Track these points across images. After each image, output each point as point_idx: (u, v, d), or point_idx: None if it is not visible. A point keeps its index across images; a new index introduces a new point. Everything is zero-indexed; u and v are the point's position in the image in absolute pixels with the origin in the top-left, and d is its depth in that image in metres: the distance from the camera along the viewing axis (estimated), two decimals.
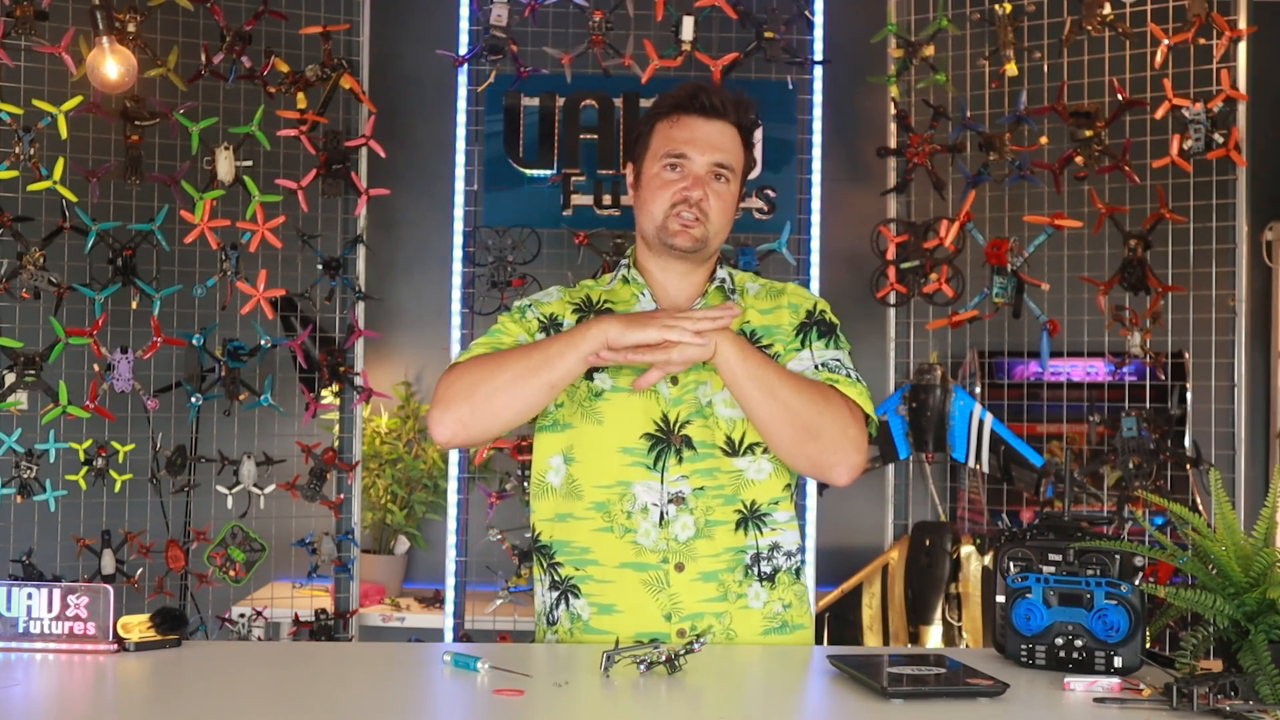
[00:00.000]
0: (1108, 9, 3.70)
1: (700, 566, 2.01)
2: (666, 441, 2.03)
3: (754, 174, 2.07)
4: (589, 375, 2.05)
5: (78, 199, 3.64)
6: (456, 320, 3.98)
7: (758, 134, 2.30)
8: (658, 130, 2.10)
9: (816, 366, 2.07)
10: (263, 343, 3.84)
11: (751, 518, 2.04)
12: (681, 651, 1.71)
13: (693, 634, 1.98)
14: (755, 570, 2.03)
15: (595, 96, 3.98)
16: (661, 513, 2.01)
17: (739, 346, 1.95)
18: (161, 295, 3.76)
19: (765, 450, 2.04)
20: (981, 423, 3.79)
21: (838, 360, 2.09)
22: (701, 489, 2.02)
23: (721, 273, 2.16)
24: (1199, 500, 3.85)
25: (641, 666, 1.70)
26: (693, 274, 2.13)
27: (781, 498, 2.07)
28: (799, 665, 1.85)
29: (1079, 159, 3.75)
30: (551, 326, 2.12)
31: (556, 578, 2.08)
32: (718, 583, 2.01)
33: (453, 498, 3.97)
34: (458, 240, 3.97)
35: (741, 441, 2.04)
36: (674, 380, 2.05)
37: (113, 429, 3.78)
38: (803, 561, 2.12)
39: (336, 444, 3.99)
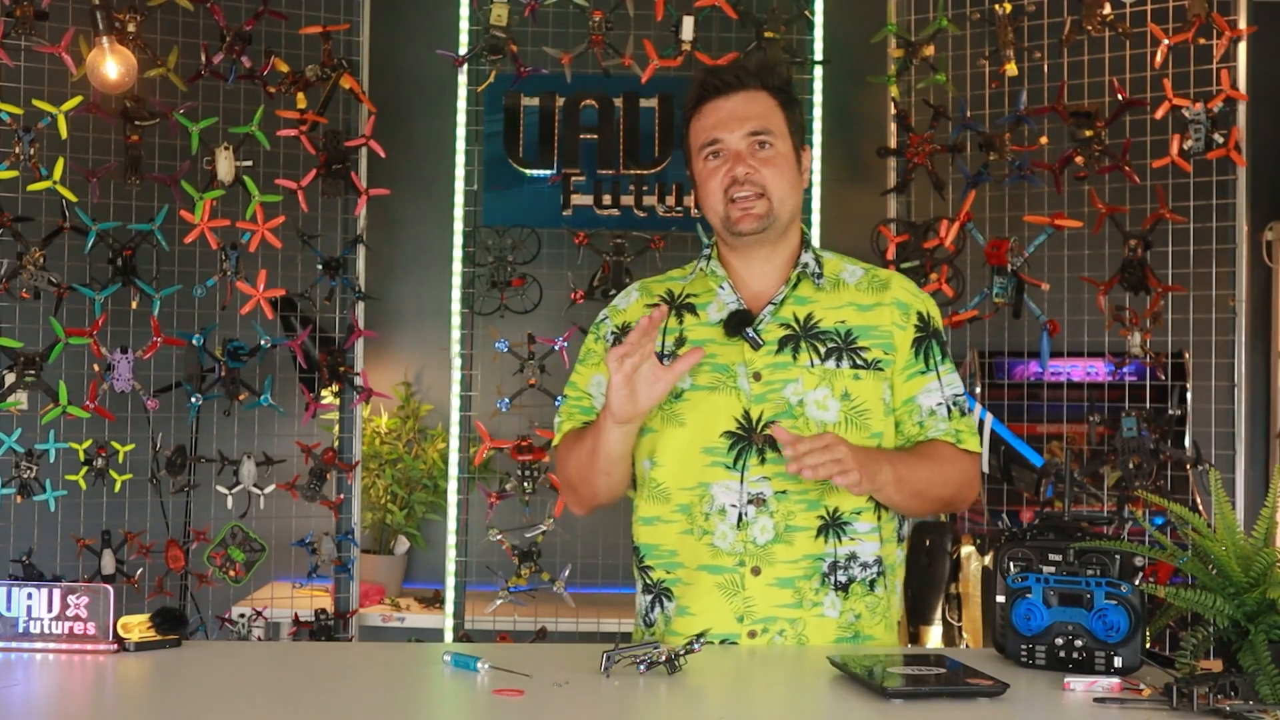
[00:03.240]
0: (1108, 9, 3.70)
1: (777, 572, 1.97)
2: (748, 440, 1.99)
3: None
4: None
5: (78, 199, 3.64)
6: (456, 320, 3.98)
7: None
8: (691, 128, 2.07)
9: (949, 408, 2.04)
10: (263, 343, 3.84)
11: (833, 525, 1.98)
12: (681, 651, 1.71)
13: (761, 630, 1.96)
14: (832, 579, 1.98)
15: (595, 96, 3.98)
16: (740, 514, 1.98)
17: (893, 475, 1.91)
18: (161, 295, 3.76)
19: None
20: (981, 423, 3.78)
21: (961, 393, 2.07)
22: (784, 493, 1.97)
23: (806, 256, 2.08)
24: (1199, 500, 3.85)
25: (641, 667, 1.69)
26: (773, 258, 2.07)
27: (865, 508, 2.01)
28: (799, 665, 1.85)
29: (1079, 159, 3.75)
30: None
31: (649, 581, 2.08)
32: (794, 589, 1.97)
33: (453, 498, 3.97)
34: (458, 240, 3.97)
35: None
36: (756, 376, 2.00)
37: (113, 429, 3.78)
38: (879, 573, 2.02)
39: (336, 444, 3.99)
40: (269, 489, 3.87)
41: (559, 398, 3.65)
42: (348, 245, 3.96)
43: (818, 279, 2.06)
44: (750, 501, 1.98)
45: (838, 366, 2.00)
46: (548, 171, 4.00)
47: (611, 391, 1.91)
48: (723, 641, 1.94)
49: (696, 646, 1.72)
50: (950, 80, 3.92)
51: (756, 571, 1.97)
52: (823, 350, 2.01)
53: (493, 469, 4.26)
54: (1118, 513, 3.70)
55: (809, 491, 1.97)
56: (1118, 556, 1.83)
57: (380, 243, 4.37)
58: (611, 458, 2.02)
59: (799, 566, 1.97)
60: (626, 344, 1.88)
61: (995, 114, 3.91)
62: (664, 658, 1.70)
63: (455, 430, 3.98)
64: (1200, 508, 3.72)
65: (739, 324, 2.01)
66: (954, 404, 2.06)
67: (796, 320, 2.03)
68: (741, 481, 1.98)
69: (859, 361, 2.01)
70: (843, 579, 1.99)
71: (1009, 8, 3.81)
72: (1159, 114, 3.67)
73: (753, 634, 1.97)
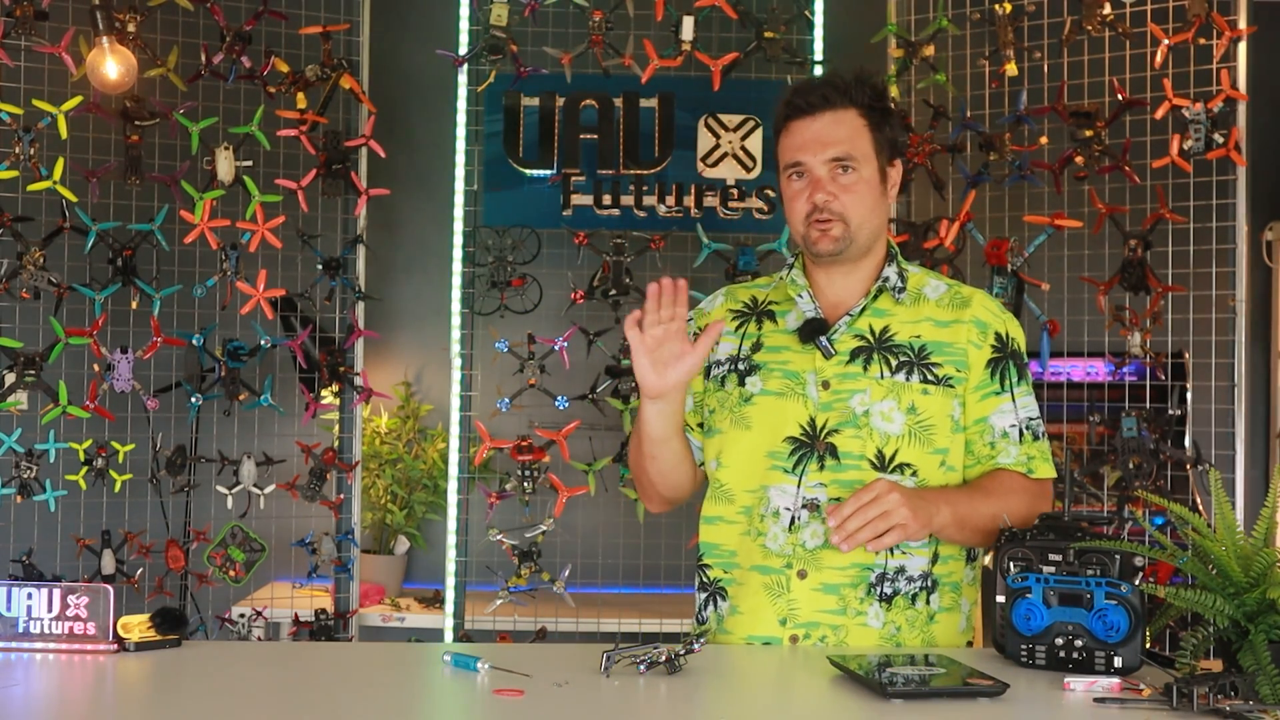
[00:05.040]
0: (1108, 9, 3.70)
1: (824, 577, 1.97)
2: (810, 447, 1.99)
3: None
4: (740, 381, 2.05)
5: (78, 199, 3.64)
6: (456, 320, 3.98)
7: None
8: (780, 143, 2.05)
9: (1022, 432, 2.03)
10: (263, 343, 3.84)
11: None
12: (681, 652, 1.71)
13: (804, 635, 1.96)
14: (878, 590, 1.97)
15: (595, 96, 3.98)
16: (794, 517, 1.98)
17: (952, 517, 1.91)
18: (161, 295, 3.76)
19: (914, 473, 1.98)
20: None
21: (1035, 417, 2.05)
22: (839, 499, 1.95)
23: (889, 270, 2.07)
24: (1199, 500, 3.85)
25: (641, 667, 1.69)
26: (855, 272, 2.07)
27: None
28: (799, 665, 1.85)
29: (1079, 159, 3.75)
30: None
31: (705, 579, 2.09)
32: (838, 596, 1.97)
33: (453, 498, 3.97)
34: (458, 240, 3.97)
35: (893, 458, 1.98)
36: (825, 385, 2.00)
37: (113, 429, 3.78)
38: (923, 588, 2.00)
39: (336, 444, 3.99)
40: (269, 489, 3.87)
41: (558, 398, 3.65)
42: (348, 245, 3.96)
43: (899, 293, 2.06)
44: (804, 506, 1.98)
45: (907, 380, 1.99)
46: (548, 171, 4.00)
47: (634, 362, 1.95)
48: (765, 644, 1.94)
49: (696, 646, 1.72)
50: (950, 80, 3.91)
51: (802, 575, 1.97)
52: (894, 363, 2.00)
53: (493, 469, 4.26)
54: (1118, 513, 3.70)
55: None
56: (1118, 556, 1.82)
57: (380, 243, 4.37)
58: (653, 439, 2.06)
59: (846, 574, 1.96)
60: (641, 311, 1.92)
61: (995, 114, 3.91)
62: (664, 658, 1.70)
63: (455, 430, 3.98)
64: (1200, 508, 3.72)
65: (813, 332, 2.02)
66: (1028, 427, 2.04)
67: (872, 332, 2.03)
68: (798, 486, 1.99)
69: (929, 377, 2.00)
70: (888, 590, 1.98)
71: (1009, 8, 3.81)
72: (1159, 114, 3.67)
73: (794, 638, 1.97)
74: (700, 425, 2.13)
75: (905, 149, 1.92)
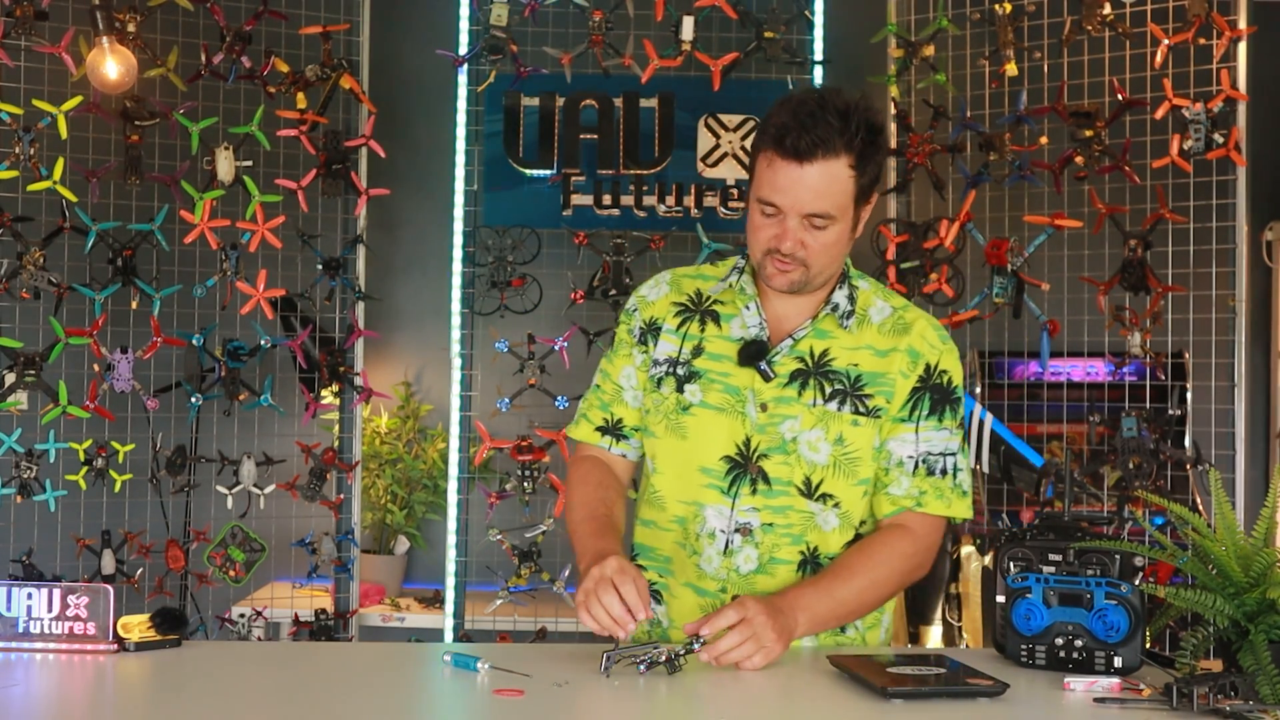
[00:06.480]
0: (1108, 9, 3.70)
1: None
2: (743, 468, 1.97)
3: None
4: (679, 386, 2.00)
5: (78, 199, 3.64)
6: (456, 320, 3.98)
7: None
8: (758, 162, 1.92)
9: (918, 464, 1.98)
10: (263, 343, 3.84)
11: (811, 561, 1.98)
12: (681, 651, 1.71)
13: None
14: None
15: (595, 96, 3.98)
16: (728, 541, 1.97)
17: (810, 624, 1.86)
18: (161, 295, 3.76)
19: (837, 504, 1.97)
20: (981, 423, 3.78)
21: (940, 452, 1.98)
22: (771, 525, 1.96)
23: (840, 295, 2.01)
24: (1199, 500, 3.85)
25: (641, 667, 1.69)
26: (804, 298, 2.01)
27: (840, 554, 2.00)
28: (799, 665, 1.85)
29: (1079, 159, 3.75)
30: (649, 334, 2.05)
31: None
32: None
33: (453, 498, 3.97)
34: (458, 240, 3.97)
35: (818, 487, 1.96)
36: (763, 407, 1.96)
37: (113, 429, 3.78)
38: None
39: (336, 444, 3.99)
40: (269, 489, 3.87)
41: (558, 398, 3.62)
42: (348, 245, 3.96)
43: (846, 318, 2.00)
44: (737, 530, 1.97)
45: (839, 410, 1.96)
46: (548, 171, 4.00)
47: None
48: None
49: (696, 646, 1.72)
50: (950, 80, 3.92)
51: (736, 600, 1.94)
52: (828, 390, 1.97)
53: (493, 469, 4.26)
54: (1118, 513, 3.70)
55: (794, 526, 1.97)
56: (1118, 556, 1.83)
57: (380, 243, 4.37)
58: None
59: None
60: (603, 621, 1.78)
61: (995, 114, 3.91)
62: (664, 658, 1.70)
63: (455, 430, 3.98)
64: (1200, 508, 3.72)
65: (752, 356, 1.97)
66: (924, 461, 1.98)
67: (812, 354, 1.99)
68: (732, 509, 1.98)
69: (861, 408, 1.97)
70: None
71: (1009, 8, 3.81)
72: (1159, 114, 3.67)
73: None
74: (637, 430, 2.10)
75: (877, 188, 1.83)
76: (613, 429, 2.10)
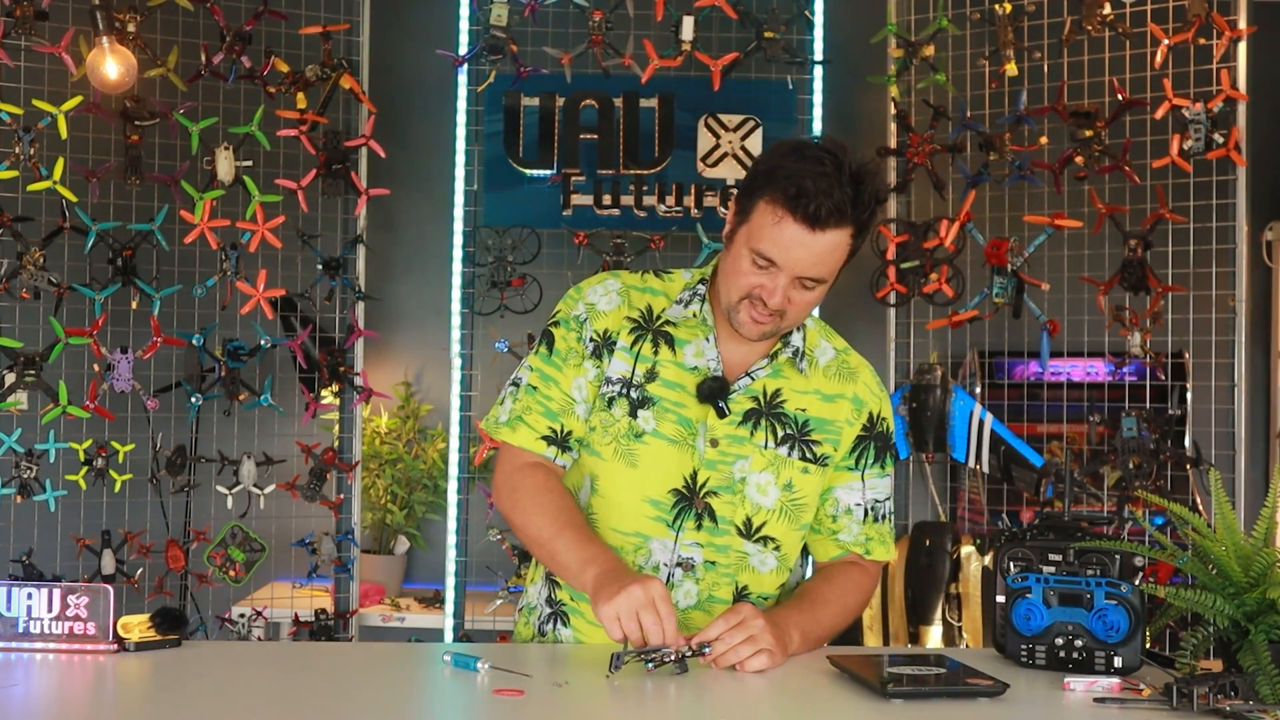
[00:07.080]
0: (1108, 9, 3.70)
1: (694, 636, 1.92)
2: (689, 502, 1.94)
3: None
4: (632, 411, 1.95)
5: (78, 199, 3.64)
6: (456, 320, 3.98)
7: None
8: (761, 211, 1.84)
9: (867, 511, 2.02)
10: (263, 343, 3.84)
11: (742, 599, 1.97)
12: (689, 654, 1.71)
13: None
14: None
15: (595, 96, 3.98)
16: (669, 575, 1.96)
17: (802, 641, 1.88)
18: (161, 295, 3.76)
19: (777, 547, 1.98)
20: (981, 423, 3.79)
21: (883, 499, 2.04)
22: (713, 564, 1.96)
23: (796, 339, 1.99)
24: (1199, 500, 3.85)
25: (650, 665, 1.69)
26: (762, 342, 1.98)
27: (774, 595, 2.02)
28: (799, 665, 1.85)
29: (1079, 159, 3.75)
30: (605, 348, 1.98)
31: (553, 595, 2.04)
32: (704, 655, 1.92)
33: (453, 498, 3.97)
34: (458, 240, 3.98)
35: (759, 530, 1.96)
36: (714, 443, 1.94)
37: (113, 429, 3.78)
38: None
39: (336, 444, 3.99)
40: (269, 489, 3.87)
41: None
42: (348, 245, 3.96)
43: (800, 359, 1.99)
44: (679, 564, 1.96)
45: (789, 455, 1.96)
46: (548, 171, 4.00)
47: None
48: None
49: (706, 650, 1.72)
50: (950, 80, 3.92)
51: None
52: (779, 434, 1.96)
53: (492, 469, 4.25)
54: (1118, 513, 3.71)
55: (730, 565, 1.97)
56: (1118, 556, 1.83)
57: (380, 243, 4.36)
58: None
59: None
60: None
61: (995, 114, 3.92)
62: (674, 656, 1.70)
63: (455, 430, 3.98)
64: (1200, 508, 3.73)
65: (711, 394, 1.94)
66: (872, 509, 2.03)
67: (765, 394, 1.97)
68: (675, 542, 1.96)
69: (809, 455, 1.97)
70: None
71: (1009, 8, 3.81)
72: (1159, 114, 3.67)
73: None
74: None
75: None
76: (560, 441, 1.99)
